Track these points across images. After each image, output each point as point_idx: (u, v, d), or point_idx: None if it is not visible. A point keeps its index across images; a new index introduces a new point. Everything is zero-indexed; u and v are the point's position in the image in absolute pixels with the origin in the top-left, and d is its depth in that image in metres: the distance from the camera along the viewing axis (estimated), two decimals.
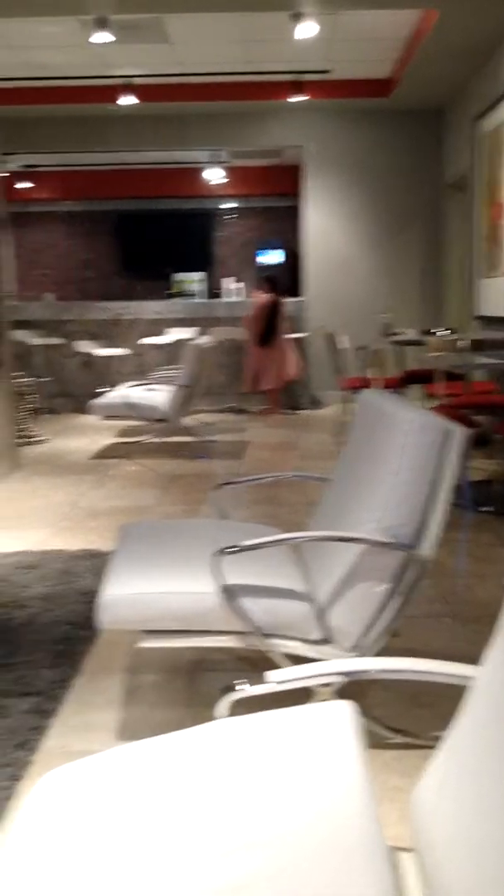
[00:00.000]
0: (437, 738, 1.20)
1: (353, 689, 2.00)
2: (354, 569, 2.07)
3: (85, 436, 7.37)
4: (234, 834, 1.09)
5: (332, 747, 1.22)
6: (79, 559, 3.68)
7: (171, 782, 1.21)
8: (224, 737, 1.27)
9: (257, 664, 2.64)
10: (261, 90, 8.40)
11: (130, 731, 2.27)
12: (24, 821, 1.21)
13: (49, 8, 5.82)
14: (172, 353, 8.76)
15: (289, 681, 1.31)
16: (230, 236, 13.08)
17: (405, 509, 2.03)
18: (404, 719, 2.25)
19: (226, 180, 11.85)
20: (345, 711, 1.28)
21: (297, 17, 6.14)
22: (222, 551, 2.08)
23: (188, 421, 7.33)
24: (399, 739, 2.17)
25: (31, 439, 6.96)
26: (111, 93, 7.95)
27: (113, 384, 8.48)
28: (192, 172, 11.82)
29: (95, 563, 3.61)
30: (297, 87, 8.01)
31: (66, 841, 1.14)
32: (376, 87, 8.40)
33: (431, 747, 1.25)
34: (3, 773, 2.02)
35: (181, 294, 11.60)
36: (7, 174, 10.94)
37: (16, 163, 10.97)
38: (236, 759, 1.23)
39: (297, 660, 1.98)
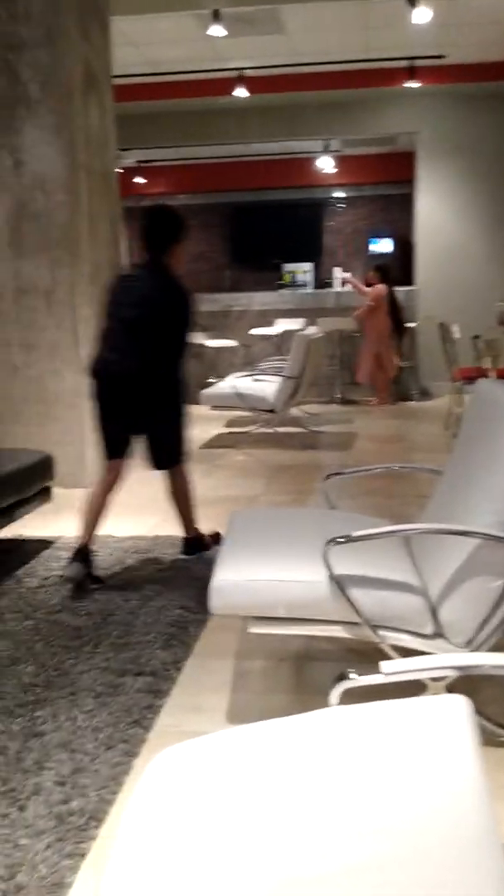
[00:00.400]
0: None
1: (464, 685, 1.97)
2: (469, 563, 2.03)
3: (194, 426, 7.49)
4: (345, 821, 1.10)
5: (446, 741, 1.21)
6: None
7: (284, 766, 1.23)
8: (337, 724, 1.28)
9: (365, 656, 2.64)
10: (374, 77, 8.28)
11: (239, 715, 2.31)
12: (142, 797, 1.25)
13: (168, 4, 5.92)
14: (281, 343, 8.79)
15: (402, 672, 1.31)
16: (340, 226, 12.98)
17: None
18: None
19: (337, 169, 11.76)
20: (460, 706, 1.26)
21: (412, 2, 6.02)
22: (334, 541, 2.08)
23: (295, 412, 7.34)
24: None
25: None
26: (225, 85, 8.03)
27: (222, 375, 8.60)
28: (304, 162, 11.79)
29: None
30: (412, 73, 7.86)
31: (182, 817, 1.17)
32: (492, 71, 8.14)
33: None
34: (120, 749, 2.10)
35: (290, 285, 11.61)
36: (121, 170, 11.22)
37: (130, 158, 11.24)
38: (349, 748, 1.23)
39: (406, 653, 1.97)
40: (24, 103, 4.74)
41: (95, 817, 1.84)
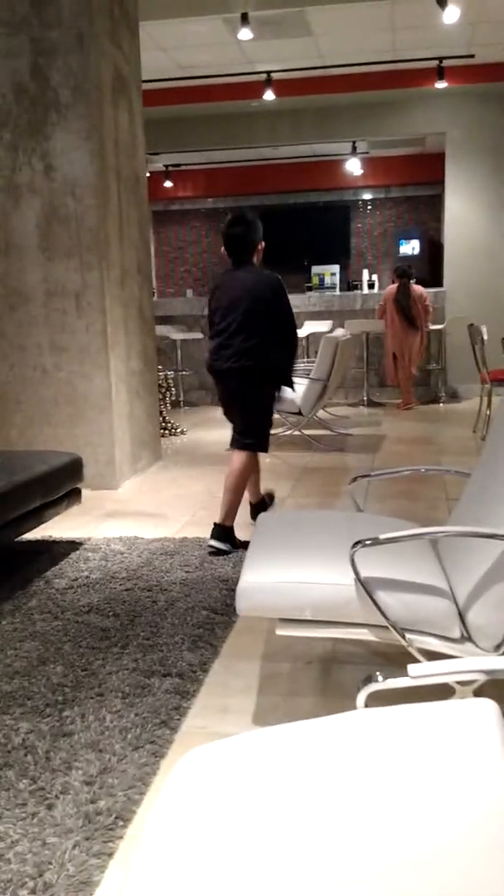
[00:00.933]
0: None
1: (492, 690, 1.96)
2: (498, 567, 2.02)
3: (222, 428, 7.51)
4: (373, 824, 1.10)
5: (473, 745, 1.20)
6: None
7: (312, 768, 1.23)
8: (363, 727, 1.28)
9: (391, 659, 2.63)
10: (403, 78, 8.26)
11: (266, 717, 2.31)
12: (169, 797, 1.26)
13: (196, 8, 5.96)
14: (309, 346, 8.78)
15: (430, 675, 1.30)
16: (368, 227, 12.95)
17: None
18: None
19: (365, 171, 11.73)
20: (489, 710, 1.26)
21: (441, 1, 6.00)
22: (361, 543, 2.08)
23: (323, 414, 7.34)
24: None
25: (172, 431, 7.18)
26: (254, 89, 8.05)
27: None
28: (332, 165, 11.78)
29: (233, 552, 3.68)
30: (440, 73, 7.82)
31: (209, 818, 1.18)
32: None
33: None
34: (147, 750, 2.11)
35: (318, 287, 11.61)
36: (150, 174, 11.29)
37: (159, 162, 11.31)
38: (376, 750, 1.23)
39: (433, 657, 1.96)
40: (54, 108, 4.79)
41: (123, 817, 1.85)
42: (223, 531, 3.76)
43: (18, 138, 4.85)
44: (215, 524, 3.78)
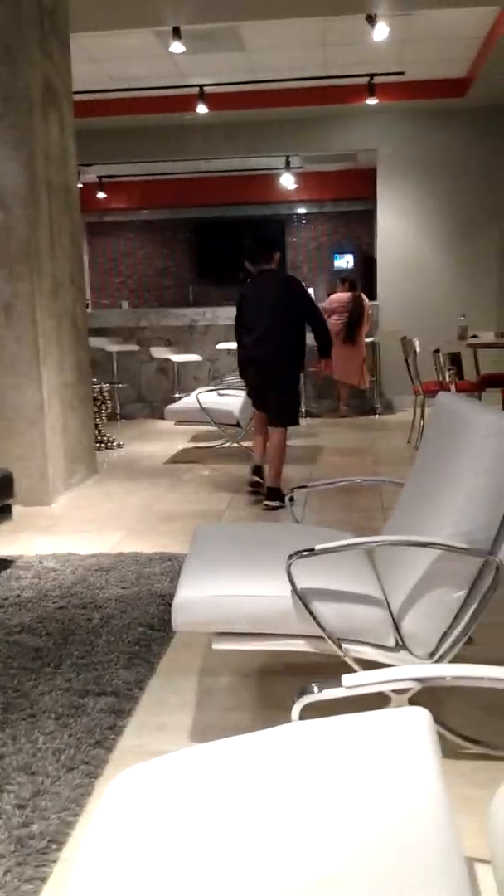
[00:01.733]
0: None
1: (427, 697, 1.98)
2: (430, 574, 2.04)
3: (159, 441, 7.48)
4: (308, 837, 1.09)
5: (407, 754, 1.20)
6: (153, 562, 3.74)
7: (246, 783, 1.21)
8: (297, 740, 1.27)
9: (329, 670, 2.63)
10: (335, 94, 8.39)
11: (204, 733, 2.29)
12: (102, 818, 1.23)
13: (129, 20, 5.95)
14: None
15: (363, 685, 1.30)
16: (303, 241, 13.10)
17: (482, 515, 2.00)
18: (480, 729, 2.20)
19: (299, 186, 11.87)
20: (421, 718, 1.26)
21: (371, 19, 6.12)
22: (297, 555, 2.08)
23: None
24: (474, 750, 2.12)
25: (108, 444, 7.10)
26: (187, 102, 8.08)
27: (187, 390, 8.58)
28: (267, 179, 11.89)
29: (170, 566, 3.65)
30: (371, 89, 7.97)
31: (143, 837, 1.16)
32: (452, 87, 8.30)
33: None
34: (81, 771, 2.06)
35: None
36: (81, 185, 11.21)
37: (92, 174, 11.23)
38: (309, 763, 1.22)
39: (369, 666, 1.96)
40: None
41: (56, 840, 1.80)
42: (275, 492, 4.71)
43: None
44: (268, 488, 4.75)
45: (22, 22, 4.66)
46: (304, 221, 13.01)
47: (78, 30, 5.64)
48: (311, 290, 9.64)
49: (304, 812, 1.13)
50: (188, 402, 6.64)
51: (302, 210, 12.90)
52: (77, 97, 5.67)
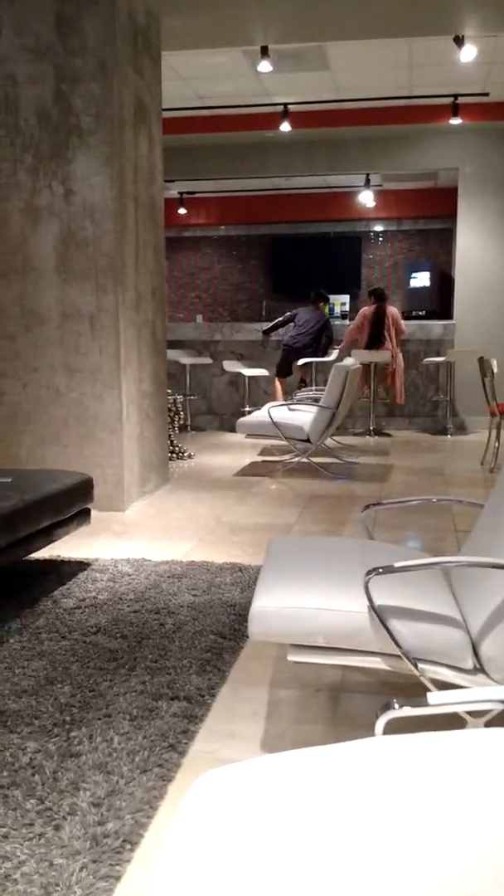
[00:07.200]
0: None
1: (500, 722, 1.94)
2: None
3: (228, 453, 7.55)
4: (393, 854, 1.09)
5: (493, 775, 1.19)
6: (224, 571, 3.77)
7: (331, 795, 1.22)
8: (383, 753, 1.27)
9: (400, 689, 2.62)
10: (417, 114, 8.38)
11: (274, 744, 2.30)
12: (185, 821, 1.25)
13: (220, 40, 6.06)
14: (316, 374, 8.81)
15: (450, 703, 1.30)
16: (380, 259, 13.06)
17: None
18: None
19: (378, 203, 11.86)
20: None
21: (459, 40, 6.10)
22: (375, 571, 2.08)
23: (330, 442, 7.35)
24: None
25: (179, 454, 7.20)
26: (270, 120, 8.18)
27: (257, 404, 8.64)
28: (344, 196, 11.92)
29: (240, 577, 3.68)
30: (455, 110, 7.94)
31: (227, 844, 1.17)
32: None
33: None
34: (155, 773, 2.09)
35: (329, 316, 11.71)
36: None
37: (174, 189, 11.44)
38: (398, 778, 1.22)
39: (442, 687, 1.95)
40: (76, 133, 4.87)
41: (130, 840, 1.84)
42: None
43: (39, 162, 4.92)
44: None
45: (116, 39, 4.81)
46: (380, 239, 12.97)
47: (169, 48, 5.78)
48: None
49: (389, 828, 1.13)
50: (259, 415, 6.68)
51: (379, 227, 12.88)
52: (163, 114, 5.80)
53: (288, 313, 8.95)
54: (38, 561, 3.93)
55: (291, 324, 8.81)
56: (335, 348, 8.82)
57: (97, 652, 2.85)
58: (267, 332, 9.05)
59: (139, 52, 5.18)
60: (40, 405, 5.10)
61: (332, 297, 12.18)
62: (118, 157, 4.88)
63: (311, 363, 8.78)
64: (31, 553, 3.51)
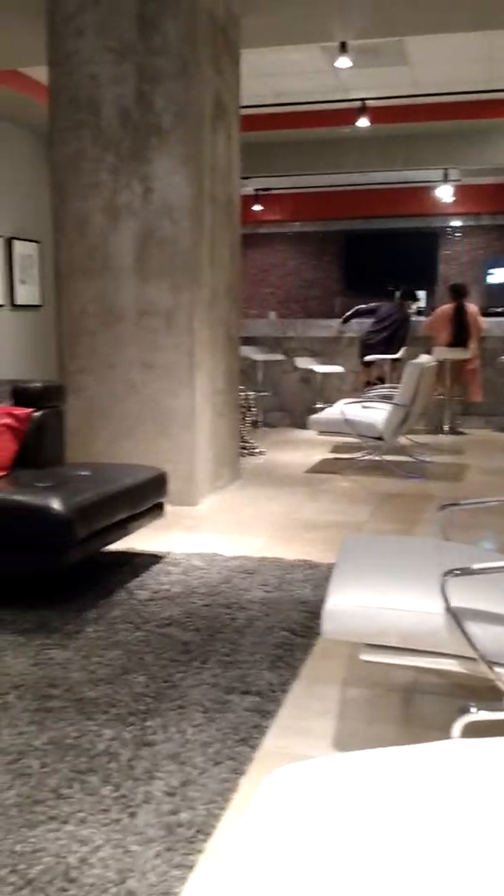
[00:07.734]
0: None
1: None
2: None
3: (299, 450, 7.54)
4: (470, 857, 1.08)
5: None
6: (295, 568, 3.78)
7: (405, 797, 1.22)
8: (462, 756, 1.26)
9: (474, 692, 2.58)
10: (497, 108, 8.20)
11: (347, 742, 2.30)
12: (260, 815, 1.26)
13: (299, 36, 6.06)
14: (393, 371, 8.72)
15: None
16: (456, 254, 12.84)
17: None
18: None
19: (455, 198, 11.66)
20: None
21: None
22: (452, 572, 2.06)
23: (404, 440, 7.27)
24: None
25: (251, 451, 7.23)
26: (347, 116, 8.12)
27: (330, 401, 8.60)
28: (420, 191, 11.76)
29: (312, 574, 3.69)
30: None
31: (303, 840, 1.18)
32: None
33: None
34: (227, 766, 2.12)
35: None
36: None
37: (250, 186, 11.48)
38: (470, 783, 1.21)
39: None
40: (156, 133, 4.93)
41: (203, 831, 1.87)
42: None
43: (120, 162, 5.01)
44: None
45: (197, 39, 4.85)
46: (458, 234, 12.75)
47: (248, 46, 5.80)
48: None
49: (466, 830, 1.12)
50: (332, 412, 6.65)
51: (456, 223, 12.66)
52: (241, 111, 5.83)
53: (371, 304, 8.71)
54: (113, 553, 4.01)
55: (371, 318, 8.64)
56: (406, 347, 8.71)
57: (170, 644, 2.90)
58: (345, 320, 8.96)
59: (219, 50, 5.21)
60: (117, 401, 5.20)
61: None
62: (196, 155, 4.93)
63: (383, 360, 8.65)
64: (107, 545, 3.58)
